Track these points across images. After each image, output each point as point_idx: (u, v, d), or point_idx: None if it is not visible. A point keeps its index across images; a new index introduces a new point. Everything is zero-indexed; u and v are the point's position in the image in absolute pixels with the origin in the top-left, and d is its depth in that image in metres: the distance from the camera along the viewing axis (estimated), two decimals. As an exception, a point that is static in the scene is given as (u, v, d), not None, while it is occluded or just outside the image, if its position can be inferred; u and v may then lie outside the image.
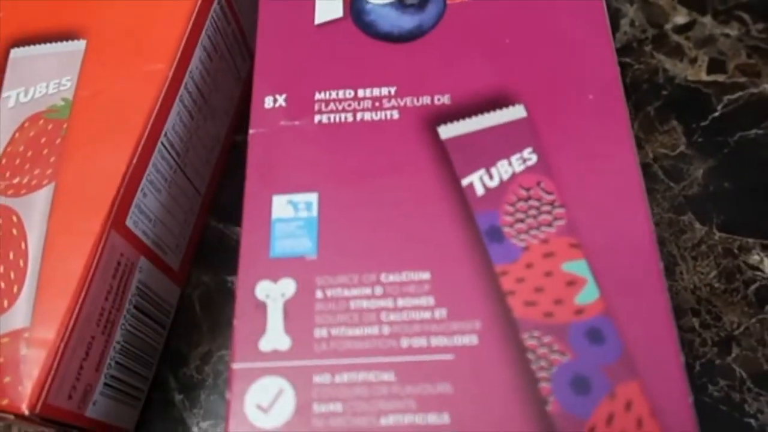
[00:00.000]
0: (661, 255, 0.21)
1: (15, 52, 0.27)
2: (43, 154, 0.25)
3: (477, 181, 0.22)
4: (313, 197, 0.23)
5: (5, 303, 0.23)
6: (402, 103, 0.24)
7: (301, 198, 0.23)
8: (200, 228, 0.31)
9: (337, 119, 0.24)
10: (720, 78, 0.33)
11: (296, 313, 0.21)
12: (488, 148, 0.23)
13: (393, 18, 0.26)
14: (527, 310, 0.20)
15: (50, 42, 0.27)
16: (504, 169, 0.22)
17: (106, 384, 0.25)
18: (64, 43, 0.27)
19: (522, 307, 0.20)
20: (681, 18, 0.34)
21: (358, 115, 0.24)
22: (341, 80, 0.25)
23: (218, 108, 0.31)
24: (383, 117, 0.24)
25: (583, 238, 0.21)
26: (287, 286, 0.21)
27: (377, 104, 0.24)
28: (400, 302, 0.21)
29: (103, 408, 0.25)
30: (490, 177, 0.22)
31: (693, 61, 0.33)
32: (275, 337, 0.20)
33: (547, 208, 0.22)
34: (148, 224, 0.26)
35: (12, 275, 0.23)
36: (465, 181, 0.22)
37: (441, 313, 0.20)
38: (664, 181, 0.31)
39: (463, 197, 0.22)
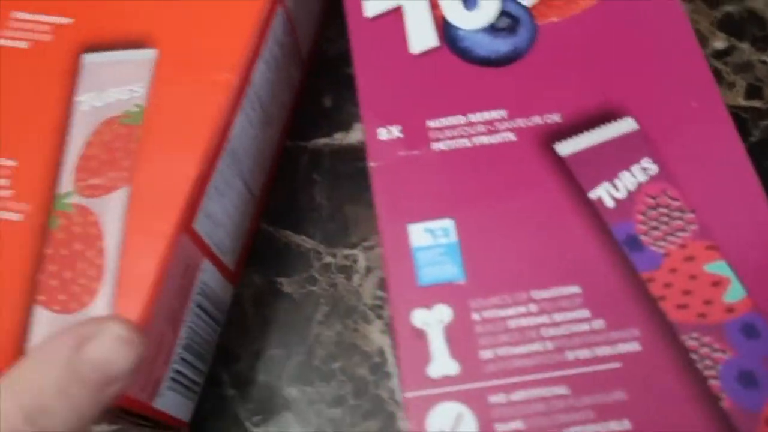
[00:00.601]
0: None
1: (88, 57, 0.28)
2: (118, 157, 0.26)
3: (604, 193, 0.23)
4: (449, 223, 0.23)
5: (85, 299, 0.23)
6: (515, 125, 0.25)
7: (437, 225, 0.23)
8: (253, 230, 0.32)
9: (455, 145, 0.25)
10: (757, 104, 0.34)
11: (458, 338, 0.21)
12: (608, 161, 0.24)
13: (487, 43, 0.27)
14: (681, 313, 0.21)
15: (121, 49, 0.28)
16: (628, 180, 0.23)
17: (171, 378, 0.26)
18: (136, 50, 0.28)
19: (675, 310, 0.21)
20: (720, 43, 0.36)
21: (475, 140, 0.25)
22: (451, 107, 0.25)
23: (274, 115, 0.32)
24: (500, 140, 0.25)
25: (718, 240, 0.22)
26: (443, 312, 0.22)
27: (491, 127, 0.25)
28: (557, 317, 0.21)
29: (168, 400, 0.26)
30: (616, 189, 0.23)
31: (731, 86, 0.35)
32: (443, 363, 0.21)
33: (677, 214, 0.23)
34: (212, 227, 0.27)
35: (91, 273, 0.24)
36: (593, 195, 0.23)
37: (599, 323, 0.21)
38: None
39: (594, 210, 0.23)
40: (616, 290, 0.22)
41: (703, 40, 0.36)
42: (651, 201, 0.23)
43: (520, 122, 0.25)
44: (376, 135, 0.25)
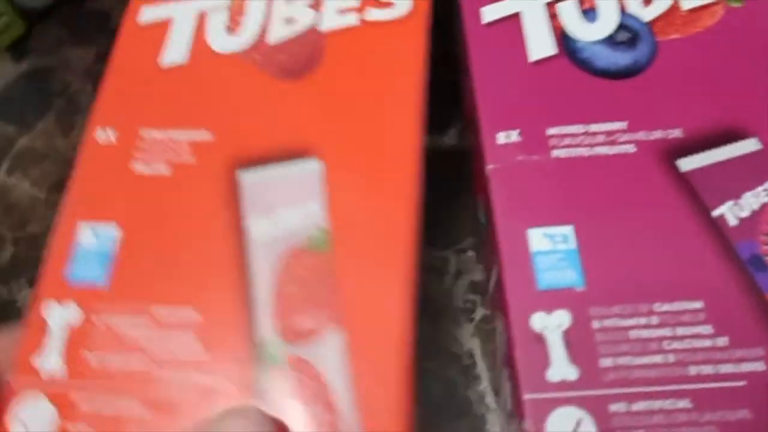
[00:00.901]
0: None
1: (246, 177, 0.25)
2: (318, 293, 0.22)
3: (728, 212, 0.23)
4: (568, 230, 0.23)
5: None
6: (636, 137, 0.25)
7: (556, 231, 0.23)
8: None
9: (574, 154, 0.25)
10: None
11: (578, 344, 0.21)
12: (731, 180, 0.24)
13: (607, 55, 0.27)
14: (807, 337, 0.21)
15: (279, 162, 0.25)
16: (752, 200, 0.23)
17: None
18: (297, 163, 0.25)
19: (800, 333, 0.21)
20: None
21: (595, 150, 0.25)
22: (571, 116, 0.25)
23: None
24: (619, 151, 0.25)
25: None
26: (562, 318, 0.22)
27: (611, 138, 0.25)
28: (679, 331, 0.21)
29: None
30: (740, 208, 0.23)
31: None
32: (561, 368, 0.21)
33: (803, 237, 0.23)
34: None
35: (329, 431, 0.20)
36: (716, 213, 0.23)
37: (723, 341, 0.21)
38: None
39: (716, 228, 0.23)
40: (739, 308, 0.22)
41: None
42: (775, 222, 0.23)
43: (641, 135, 0.25)
44: (495, 139, 0.25)
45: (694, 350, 0.21)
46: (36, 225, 0.36)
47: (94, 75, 0.40)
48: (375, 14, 0.29)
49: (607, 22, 0.28)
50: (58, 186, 0.37)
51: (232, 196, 0.24)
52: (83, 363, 0.22)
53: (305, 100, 0.26)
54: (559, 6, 0.28)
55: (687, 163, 0.24)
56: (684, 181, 0.24)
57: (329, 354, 0.21)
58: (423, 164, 0.25)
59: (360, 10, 0.29)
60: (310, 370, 0.21)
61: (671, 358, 0.21)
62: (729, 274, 0.22)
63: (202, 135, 0.26)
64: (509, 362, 0.23)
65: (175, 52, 0.28)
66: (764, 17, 0.27)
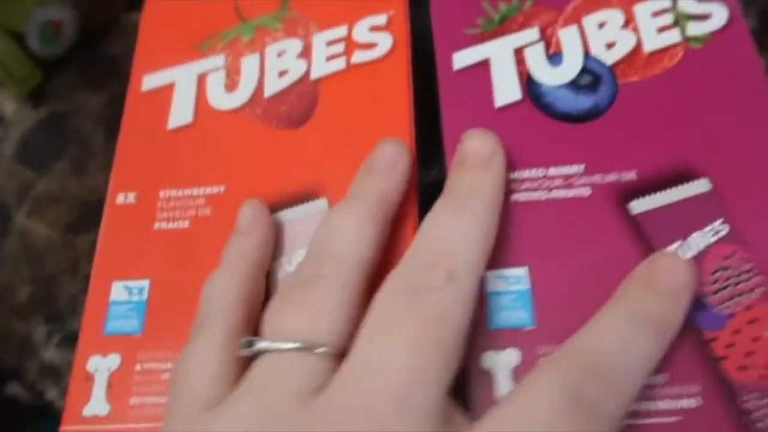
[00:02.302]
0: None
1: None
2: None
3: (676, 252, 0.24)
4: (522, 271, 0.25)
5: None
6: (591, 180, 0.26)
7: (511, 272, 0.25)
8: None
9: (532, 197, 0.26)
10: None
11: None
12: (680, 221, 0.25)
13: (569, 99, 0.28)
14: (742, 374, 0.22)
15: (290, 206, 0.27)
16: (699, 241, 0.24)
17: None
18: (306, 204, 0.27)
19: (736, 371, 0.22)
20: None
21: (552, 193, 0.26)
22: (531, 160, 0.27)
23: None
24: (575, 194, 0.26)
25: (784, 305, 0.23)
26: (512, 355, 0.23)
27: (568, 182, 0.26)
28: (621, 368, 0.23)
29: None
30: (688, 248, 0.24)
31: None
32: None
33: (746, 276, 0.24)
34: None
35: None
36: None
37: (662, 378, 0.22)
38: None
39: (663, 268, 0.24)
40: (680, 347, 0.23)
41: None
42: (721, 262, 0.24)
43: (597, 178, 0.26)
44: (459, 183, 0.27)
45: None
46: (52, 265, 0.39)
47: (106, 119, 0.43)
48: (360, 56, 0.31)
49: (571, 66, 0.29)
50: (71, 227, 0.40)
51: None
52: (127, 406, 0.24)
53: (306, 145, 0.29)
54: (526, 51, 0.30)
55: (639, 206, 0.25)
56: (635, 222, 0.25)
57: None
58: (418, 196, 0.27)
59: (346, 54, 0.31)
60: None
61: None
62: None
63: (216, 189, 0.28)
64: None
65: (180, 114, 0.30)
66: (721, 58, 0.28)
